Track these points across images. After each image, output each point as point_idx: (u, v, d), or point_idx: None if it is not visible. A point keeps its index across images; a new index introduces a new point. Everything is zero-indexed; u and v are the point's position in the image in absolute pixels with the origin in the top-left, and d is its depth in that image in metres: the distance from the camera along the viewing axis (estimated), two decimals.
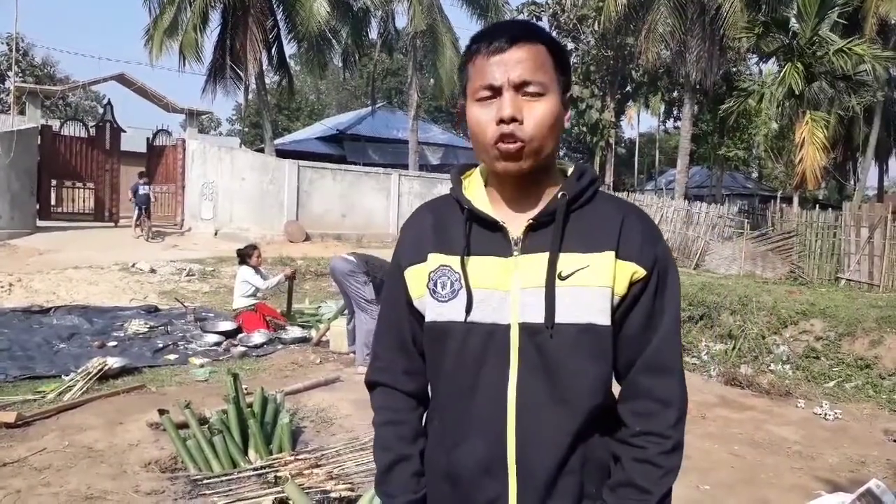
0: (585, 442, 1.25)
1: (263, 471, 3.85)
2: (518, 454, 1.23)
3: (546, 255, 1.24)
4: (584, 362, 1.23)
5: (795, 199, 16.19)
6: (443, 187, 20.66)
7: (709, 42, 18.25)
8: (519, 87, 1.21)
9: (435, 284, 1.30)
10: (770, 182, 36.93)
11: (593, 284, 1.22)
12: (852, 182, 27.29)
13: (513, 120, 1.20)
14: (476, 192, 1.34)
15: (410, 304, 1.36)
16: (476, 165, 1.41)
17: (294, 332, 7.92)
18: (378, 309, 5.48)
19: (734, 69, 23.60)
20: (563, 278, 1.23)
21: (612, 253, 1.23)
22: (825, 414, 5.77)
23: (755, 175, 37.97)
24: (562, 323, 1.22)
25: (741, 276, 13.73)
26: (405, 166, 22.95)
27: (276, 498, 3.43)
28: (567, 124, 1.30)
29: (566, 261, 1.23)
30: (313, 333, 7.88)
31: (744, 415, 5.75)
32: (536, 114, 1.21)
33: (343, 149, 28.31)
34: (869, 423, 5.69)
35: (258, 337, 7.56)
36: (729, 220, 16.37)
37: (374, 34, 23.94)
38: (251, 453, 4.12)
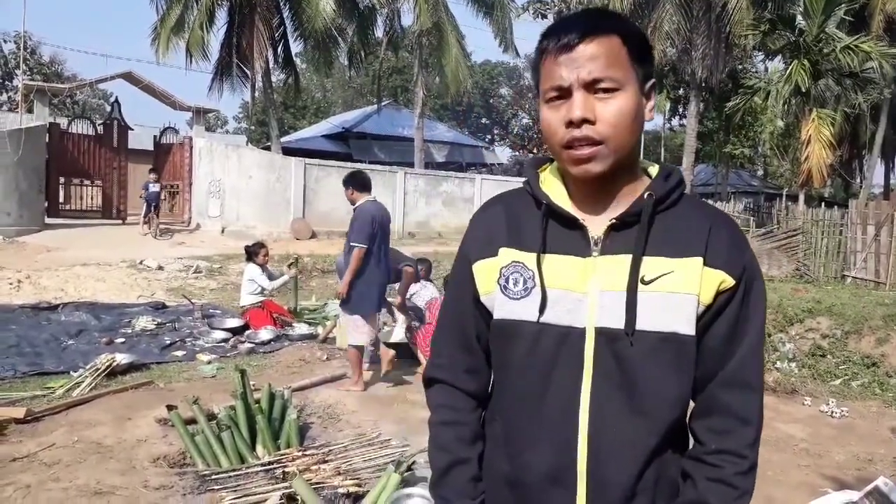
0: (661, 458, 1.19)
1: (271, 466, 3.88)
2: (590, 465, 1.17)
3: (629, 257, 1.17)
4: (664, 373, 1.16)
5: (801, 197, 16.17)
6: (448, 185, 20.68)
7: (714, 39, 18.18)
8: (590, 86, 1.13)
9: (507, 280, 1.24)
10: (776, 180, 36.80)
11: (679, 291, 1.16)
12: (858, 180, 27.21)
13: (584, 121, 1.13)
14: (553, 187, 1.27)
15: (477, 300, 1.29)
16: (551, 159, 1.33)
17: (301, 328, 7.95)
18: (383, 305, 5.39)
19: (740, 67, 23.51)
20: (646, 283, 1.16)
21: (700, 259, 1.17)
22: (832, 412, 5.76)
23: (761, 173, 37.86)
24: (643, 330, 1.15)
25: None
26: (411, 164, 22.94)
27: (283, 493, 3.45)
28: (650, 115, 1.22)
29: (650, 265, 1.17)
30: (320, 330, 7.91)
31: None
32: (611, 111, 1.13)
33: (349, 147, 28.33)
34: (876, 420, 5.69)
35: (265, 334, 7.60)
36: (734, 217, 16.32)
37: (379, 32, 23.93)
38: (259, 449, 4.14)
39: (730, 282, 1.18)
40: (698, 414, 1.22)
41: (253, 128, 38.15)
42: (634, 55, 1.17)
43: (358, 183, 5.92)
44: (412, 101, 26.60)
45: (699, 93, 20.03)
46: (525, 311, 1.21)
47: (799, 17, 15.59)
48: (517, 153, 41.78)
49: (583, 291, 1.18)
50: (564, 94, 1.15)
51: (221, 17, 20.44)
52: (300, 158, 18.59)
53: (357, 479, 3.71)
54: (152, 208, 17.04)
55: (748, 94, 17.45)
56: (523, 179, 1.31)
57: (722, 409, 1.19)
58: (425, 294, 7.24)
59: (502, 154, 43.34)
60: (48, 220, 16.99)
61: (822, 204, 15.64)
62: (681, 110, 30.64)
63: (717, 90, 22.23)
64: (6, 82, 37.39)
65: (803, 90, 14.53)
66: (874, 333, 7.19)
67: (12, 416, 4.57)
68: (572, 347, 1.18)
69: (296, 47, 22.45)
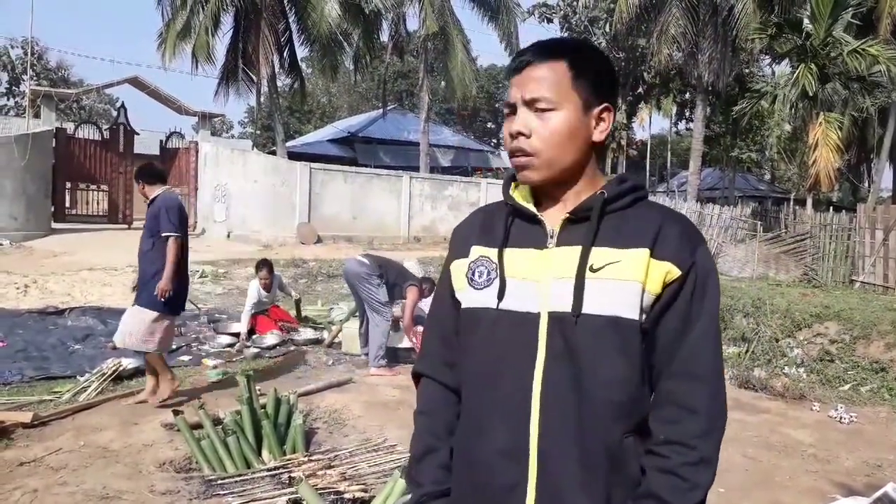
0: (611, 444, 1.23)
1: (277, 471, 3.87)
2: (540, 441, 1.23)
3: (579, 248, 1.26)
4: (607, 355, 1.23)
5: (809, 201, 16.11)
6: (453, 189, 20.68)
7: (721, 43, 18.16)
8: (530, 104, 1.28)
9: (473, 273, 1.35)
10: (783, 184, 36.70)
11: (623, 278, 1.23)
12: (866, 184, 27.06)
13: (520, 134, 1.28)
14: (523, 192, 1.39)
15: (453, 297, 1.41)
16: None
17: (306, 333, 7.94)
18: (390, 311, 5.46)
19: (747, 70, 23.48)
20: (594, 270, 1.25)
21: (647, 251, 1.24)
22: (840, 417, 5.72)
23: (768, 177, 37.75)
24: (588, 314, 1.23)
25: (754, 278, 13.65)
26: (416, 168, 22.97)
27: (289, 498, 3.44)
28: (600, 136, 1.32)
29: (598, 254, 1.26)
30: (325, 335, 7.90)
31: (758, 418, 5.71)
32: (544, 127, 1.27)
33: (354, 151, 28.40)
34: (885, 426, 5.65)
35: (271, 338, 7.59)
36: (742, 222, 16.28)
37: (385, 37, 23.99)
38: (265, 454, 4.13)
39: (675, 272, 1.24)
40: (652, 405, 1.27)
41: (258, 132, 38.25)
42: (581, 80, 1.28)
43: (146, 175, 5.48)
44: (418, 106, 26.67)
45: (706, 97, 20.00)
46: (487, 298, 1.31)
47: (806, 21, 15.56)
48: None
49: (538, 280, 1.28)
50: (512, 110, 1.31)
51: (227, 22, 20.56)
52: (306, 163, 18.64)
53: (363, 484, 3.70)
54: None
55: (755, 98, 17.41)
56: None
57: (669, 399, 1.24)
58: (426, 306, 7.25)
59: (508, 158, 43.32)
60: (55, 225, 17.06)
61: (831, 208, 15.58)
62: (687, 114, 30.62)
63: (724, 94, 22.20)
64: (13, 87, 37.61)
65: (810, 94, 14.48)
66: (883, 338, 7.14)
67: (19, 420, 4.58)
68: (527, 331, 1.26)
69: (301, 52, 22.56)
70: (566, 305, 1.24)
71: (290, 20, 21.45)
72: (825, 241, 13.38)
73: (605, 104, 1.32)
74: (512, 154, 1.32)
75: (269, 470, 3.90)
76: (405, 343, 7.13)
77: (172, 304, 5.30)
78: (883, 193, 28.12)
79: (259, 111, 27.82)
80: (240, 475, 3.84)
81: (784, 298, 8.76)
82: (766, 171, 37.62)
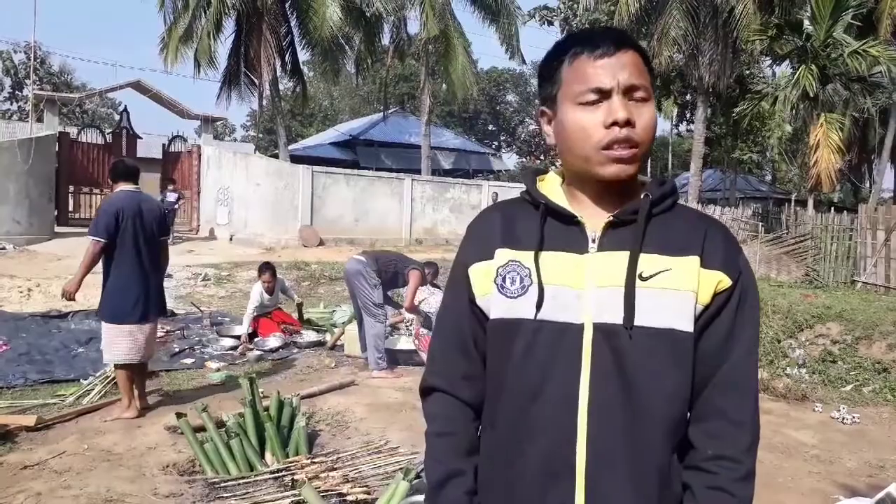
0: (662, 462, 1.17)
1: (280, 474, 3.88)
2: (589, 460, 1.15)
3: (626, 253, 1.18)
4: (662, 369, 1.16)
5: (810, 202, 16.09)
6: (455, 191, 20.71)
7: (722, 45, 18.15)
8: (627, 92, 1.17)
9: (503, 280, 1.24)
10: (784, 185, 36.70)
11: (676, 288, 1.17)
12: (868, 184, 27.07)
13: (627, 123, 1.16)
14: (552, 190, 1.29)
15: (473, 304, 1.29)
16: (545, 171, 1.38)
17: (309, 336, 7.95)
18: (384, 313, 5.44)
19: (747, 72, 23.46)
20: (644, 279, 1.17)
21: (697, 259, 1.19)
22: (843, 418, 5.72)
23: (769, 178, 37.75)
24: (641, 326, 1.15)
25: (756, 279, 13.62)
26: (418, 171, 23.00)
27: (292, 501, 3.45)
28: None
29: (648, 261, 1.18)
30: (328, 337, 7.92)
31: (761, 419, 5.70)
32: (645, 118, 1.18)
33: (356, 154, 28.46)
34: (887, 426, 5.64)
35: (274, 341, 7.61)
36: (743, 223, 16.28)
37: (386, 40, 24.05)
38: (268, 456, 4.14)
39: (727, 282, 1.19)
40: (695, 419, 1.21)
41: (261, 136, 38.34)
42: (650, 73, 1.22)
43: (111, 171, 5.25)
44: (419, 109, 26.70)
45: (706, 98, 19.99)
46: (522, 308, 1.21)
47: (806, 22, 15.55)
48: (524, 160, 41.81)
49: (580, 287, 1.19)
50: (603, 96, 1.17)
51: (229, 26, 20.62)
52: (308, 166, 18.68)
53: (365, 486, 3.71)
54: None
55: (756, 100, 17.41)
56: (521, 189, 1.34)
57: (717, 412, 1.19)
58: (434, 301, 7.25)
59: (509, 161, 43.39)
60: (58, 229, 17.09)
61: (832, 209, 15.56)
62: (688, 116, 30.60)
63: (725, 95, 22.18)
64: (16, 92, 37.73)
65: (811, 95, 14.47)
66: (885, 339, 7.14)
67: (23, 423, 4.60)
68: (570, 344, 1.17)
69: (303, 55, 22.62)
70: (615, 316, 1.16)
71: (292, 24, 21.50)
72: (826, 242, 13.37)
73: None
74: (609, 145, 1.16)
75: (272, 472, 3.91)
76: (403, 345, 7.15)
77: (114, 314, 4.88)
78: (884, 194, 28.13)
79: (261, 114, 27.85)
80: (243, 478, 3.85)
81: (786, 299, 8.75)
82: (767, 173, 37.61)
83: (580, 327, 1.17)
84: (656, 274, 1.17)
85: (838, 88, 15.43)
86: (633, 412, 1.15)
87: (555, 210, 1.24)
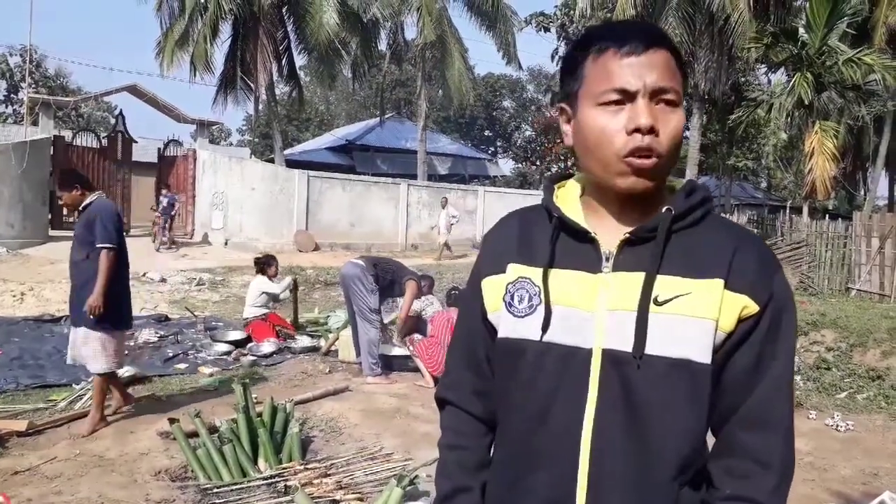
0: (668, 496, 1.09)
1: (273, 480, 3.86)
2: (589, 496, 1.08)
3: (641, 275, 1.08)
4: (674, 403, 1.06)
5: (805, 210, 16.14)
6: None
7: (717, 52, 18.21)
8: (654, 95, 1.06)
9: (512, 297, 1.17)
10: (779, 192, 36.82)
11: (694, 315, 1.06)
12: (862, 192, 27.17)
13: (651, 130, 1.05)
14: (569, 201, 1.20)
15: (486, 319, 1.23)
16: (568, 176, 1.27)
17: (303, 341, 7.93)
18: (379, 319, 5.41)
19: (743, 79, 23.57)
20: (659, 303, 1.07)
21: (721, 281, 1.07)
22: (837, 425, 5.72)
23: (764, 185, 37.87)
24: (653, 355, 1.06)
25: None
26: (414, 176, 23.03)
27: None
28: None
29: (664, 284, 1.08)
30: (322, 343, 7.90)
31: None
32: (672, 125, 1.07)
33: (352, 159, 28.48)
34: (881, 434, 5.64)
35: (267, 346, 7.58)
36: None
37: (383, 45, 24.11)
38: (261, 462, 4.12)
39: (753, 308, 1.07)
40: (716, 454, 1.13)
41: (256, 140, 38.33)
42: (681, 74, 1.11)
43: (82, 179, 5.13)
44: (415, 114, 26.73)
45: (702, 105, 20.05)
46: (529, 329, 1.14)
47: (801, 30, 15.64)
48: (520, 165, 41.84)
49: (590, 310, 1.10)
50: (627, 98, 1.06)
51: (226, 30, 20.63)
52: (304, 171, 18.69)
53: (359, 493, 3.70)
54: (168, 221, 17.41)
55: (751, 107, 17.50)
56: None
57: (739, 450, 1.09)
58: (431, 311, 7.25)
59: (505, 166, 43.44)
60: (52, 233, 17.04)
61: (826, 216, 15.64)
62: (684, 122, 30.63)
63: (721, 102, 22.28)
64: (11, 95, 37.64)
65: (806, 102, 14.55)
66: (879, 346, 7.15)
67: (14, 429, 4.57)
68: (577, 369, 1.10)
69: (300, 60, 22.65)
70: (625, 343, 1.07)
71: (289, 28, 21.53)
72: (821, 249, 13.41)
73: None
74: (631, 153, 1.05)
75: (265, 478, 3.89)
76: (397, 351, 7.13)
77: (114, 320, 4.82)
78: (879, 202, 28.22)
79: (257, 119, 27.84)
80: (235, 484, 3.83)
81: None
82: (762, 180, 37.73)
83: (588, 352, 1.09)
84: (673, 298, 1.07)
85: (833, 96, 15.50)
86: (639, 449, 1.07)
87: (568, 225, 1.15)
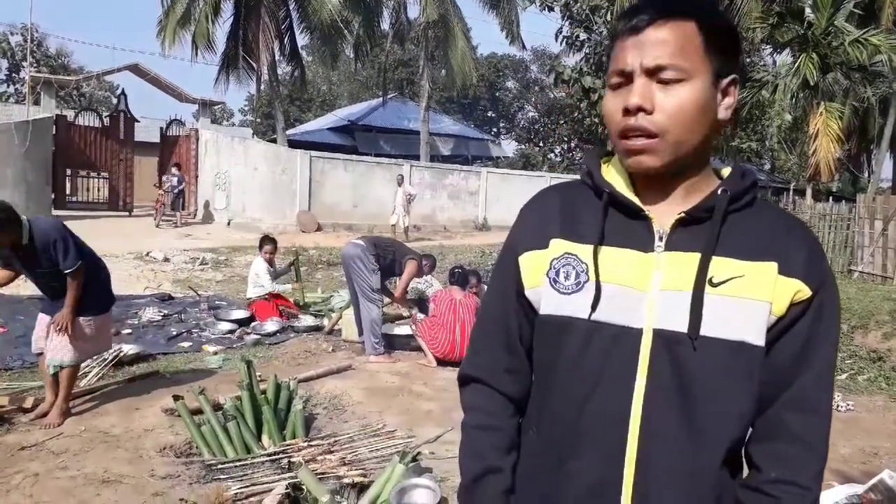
0: (719, 484, 1.08)
1: (277, 456, 3.89)
2: (637, 482, 1.07)
3: (696, 255, 1.07)
4: (728, 385, 1.06)
5: (809, 191, 16.10)
6: (454, 178, 20.67)
7: None
8: (653, 73, 1.04)
9: (557, 273, 1.13)
10: (783, 174, 36.63)
11: (750, 297, 1.05)
12: (866, 174, 27.05)
13: (640, 110, 1.04)
14: (617, 177, 1.16)
15: (521, 295, 1.19)
16: (611, 153, 1.24)
17: (306, 320, 7.97)
18: (380, 298, 5.41)
19: (748, 60, 23.40)
20: (714, 285, 1.06)
21: (775, 265, 1.07)
22: (837, 406, 5.75)
23: (768, 167, 37.66)
24: (708, 336, 1.04)
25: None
26: (416, 157, 22.97)
27: (289, 483, 3.46)
28: (726, 114, 1.10)
29: (720, 266, 1.06)
30: (325, 322, 7.93)
31: None
32: (671, 102, 1.04)
33: (354, 139, 28.37)
34: (882, 414, 5.68)
35: (271, 325, 7.62)
36: None
37: (385, 25, 23.95)
38: (265, 439, 4.16)
39: (806, 293, 1.07)
40: (759, 437, 1.11)
41: (259, 120, 38.20)
42: (712, 44, 1.06)
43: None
44: (418, 94, 26.62)
45: None
46: (576, 307, 1.11)
47: (808, 10, 15.49)
48: (523, 146, 41.67)
49: (642, 289, 1.08)
50: (627, 79, 1.07)
51: (227, 9, 20.51)
52: (306, 151, 18.64)
53: (362, 469, 3.73)
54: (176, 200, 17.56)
55: (756, 88, 17.36)
56: (582, 172, 1.22)
57: (787, 433, 1.09)
58: (431, 293, 7.28)
59: (508, 147, 43.26)
60: (55, 212, 17.03)
61: (830, 198, 15.57)
62: None
63: None
64: (13, 74, 37.52)
65: (811, 84, 14.45)
66: (881, 328, 7.17)
67: (21, 405, 4.61)
68: (626, 349, 1.07)
69: (302, 40, 22.53)
70: (679, 324, 1.05)
71: (291, 7, 21.39)
72: (824, 231, 13.37)
73: (734, 75, 1.10)
74: (624, 134, 1.07)
75: (268, 455, 3.92)
76: (400, 330, 7.17)
77: (108, 301, 4.85)
78: (883, 184, 28.12)
79: (259, 99, 27.77)
80: (240, 460, 3.87)
81: None
82: (766, 161, 37.50)
83: (639, 332, 1.07)
84: (728, 280, 1.06)
85: (839, 77, 15.41)
86: (690, 433, 1.05)
87: (619, 201, 1.12)
